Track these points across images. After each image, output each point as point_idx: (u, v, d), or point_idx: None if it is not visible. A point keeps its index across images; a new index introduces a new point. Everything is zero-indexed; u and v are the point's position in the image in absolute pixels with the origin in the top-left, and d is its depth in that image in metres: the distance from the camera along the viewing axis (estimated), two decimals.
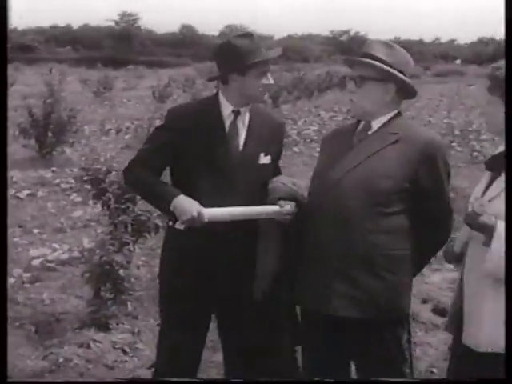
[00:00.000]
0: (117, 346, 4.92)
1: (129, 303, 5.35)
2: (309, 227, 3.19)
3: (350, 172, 3.12)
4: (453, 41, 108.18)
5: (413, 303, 5.80)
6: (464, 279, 2.94)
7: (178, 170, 3.42)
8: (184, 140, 3.34)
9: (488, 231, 2.70)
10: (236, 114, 3.39)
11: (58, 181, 10.85)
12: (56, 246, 7.13)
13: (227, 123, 3.38)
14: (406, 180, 3.09)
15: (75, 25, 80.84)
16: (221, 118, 3.38)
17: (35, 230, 7.86)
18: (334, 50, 75.23)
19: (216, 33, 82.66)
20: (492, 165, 2.93)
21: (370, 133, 3.21)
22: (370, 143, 3.18)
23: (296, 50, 72.14)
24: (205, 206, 3.20)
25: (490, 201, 2.79)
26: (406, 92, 3.26)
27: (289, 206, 3.24)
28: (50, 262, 6.60)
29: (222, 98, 3.41)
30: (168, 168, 3.49)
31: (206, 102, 3.50)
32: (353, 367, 3.40)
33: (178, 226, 3.27)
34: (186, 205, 3.18)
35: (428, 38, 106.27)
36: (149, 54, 66.82)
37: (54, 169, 11.83)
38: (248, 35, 3.38)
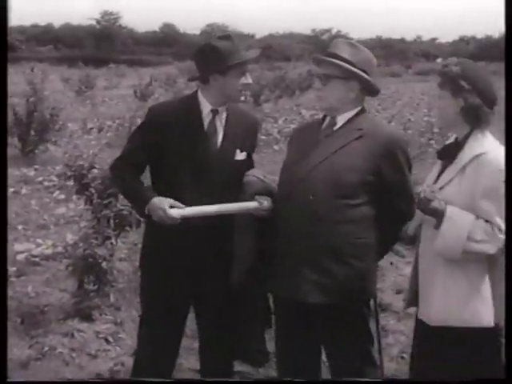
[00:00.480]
0: (100, 336, 5.12)
1: (111, 295, 5.55)
2: (279, 219, 3.40)
3: (317, 167, 3.33)
4: (434, 39, 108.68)
5: (386, 294, 6.07)
6: (418, 259, 3.18)
7: (158, 167, 3.59)
8: (164, 137, 3.51)
9: (438, 215, 2.95)
10: (215, 112, 3.56)
11: (40, 179, 11.01)
12: (40, 241, 7.32)
13: (206, 122, 3.55)
14: (370, 173, 3.31)
15: (56, 24, 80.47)
16: (200, 116, 3.55)
17: (19, 227, 8.02)
18: (316, 48, 75.37)
19: (197, 31, 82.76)
20: (444, 154, 3.18)
21: (335, 128, 3.42)
22: (336, 139, 3.39)
23: (277, 48, 72.47)
24: (184, 200, 3.39)
25: (441, 188, 3.03)
26: (370, 90, 3.48)
27: (266, 202, 3.43)
28: (35, 256, 6.78)
29: (201, 98, 3.57)
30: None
31: (186, 101, 3.66)
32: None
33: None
34: (157, 208, 3.36)
35: (409, 37, 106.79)
36: (130, 53, 66.76)
37: (36, 167, 11.98)
38: (228, 37, 3.55)
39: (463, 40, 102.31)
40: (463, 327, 3.03)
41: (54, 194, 9.88)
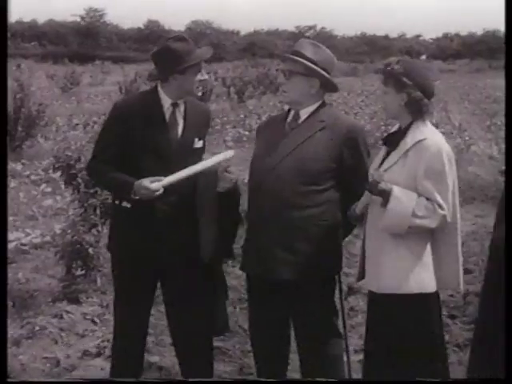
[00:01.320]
0: (87, 317, 5.45)
1: (98, 279, 5.89)
2: (252, 205, 3.75)
3: (285, 157, 3.69)
4: (418, 36, 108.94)
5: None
6: (366, 235, 3.54)
7: (124, 156, 3.87)
8: (129, 130, 3.82)
9: (385, 195, 3.31)
10: (174, 106, 3.89)
11: (28, 172, 11.30)
12: (29, 231, 7.63)
13: (167, 114, 3.87)
14: (333, 161, 3.68)
15: (40, 20, 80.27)
16: (161, 110, 3.86)
17: (10, 218, 8.31)
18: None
19: (182, 28, 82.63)
20: (388, 141, 3.54)
21: (299, 122, 3.78)
22: (301, 131, 3.75)
23: (262, 45, 72.82)
24: None
25: (385, 170, 3.40)
26: (329, 86, 3.84)
27: (230, 152, 3.83)
28: (24, 245, 7.10)
29: (161, 93, 3.88)
30: None
31: (147, 96, 3.97)
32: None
33: (125, 204, 3.81)
34: (140, 188, 3.66)
35: (393, 34, 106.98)
36: (115, 50, 66.82)
37: (23, 161, 12.25)
38: (183, 38, 3.87)
39: (447, 37, 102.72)
40: (409, 294, 3.39)
41: (41, 187, 10.18)
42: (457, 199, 3.47)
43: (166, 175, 3.73)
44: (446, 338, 4.89)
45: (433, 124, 3.60)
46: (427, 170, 3.35)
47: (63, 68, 34.86)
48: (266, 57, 59.08)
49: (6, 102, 3.31)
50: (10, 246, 6.99)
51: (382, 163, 3.52)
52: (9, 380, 3.66)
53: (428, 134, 3.42)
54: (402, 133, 3.50)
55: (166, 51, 3.80)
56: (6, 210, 3.36)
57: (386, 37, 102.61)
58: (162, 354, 4.66)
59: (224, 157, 3.79)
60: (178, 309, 4.01)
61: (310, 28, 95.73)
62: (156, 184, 3.65)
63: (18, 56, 45.30)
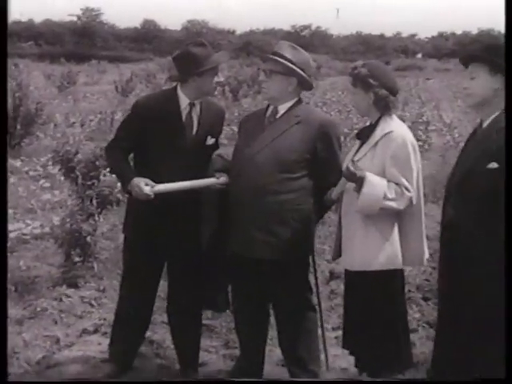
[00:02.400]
0: (85, 300, 5.82)
1: (95, 265, 6.27)
2: (233, 191, 4.13)
3: (263, 148, 4.08)
4: (413, 35, 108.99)
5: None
6: (342, 217, 3.93)
7: (141, 151, 4.32)
8: (147, 126, 4.23)
9: (360, 181, 3.69)
10: (191, 106, 4.30)
11: (26, 169, 11.64)
12: (29, 222, 7.99)
13: (184, 113, 4.29)
14: (307, 152, 4.08)
15: (37, 20, 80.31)
16: (179, 109, 4.28)
17: (10, 211, 8.67)
18: (295, 44, 76.10)
19: (178, 28, 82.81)
20: (360, 135, 3.93)
21: (277, 116, 4.18)
22: (278, 125, 4.14)
23: (257, 44, 72.98)
24: (164, 179, 4.11)
25: (358, 160, 3.79)
26: (305, 85, 4.23)
27: (223, 178, 4.19)
28: (25, 235, 7.47)
29: (180, 93, 4.30)
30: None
31: (167, 95, 4.39)
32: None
33: None
34: (134, 185, 4.07)
35: (389, 33, 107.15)
36: (111, 49, 66.95)
37: (22, 158, 12.59)
38: (202, 43, 4.29)
39: (442, 36, 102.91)
40: (379, 270, 3.78)
41: (40, 182, 10.53)
42: (421, 184, 3.88)
43: (178, 170, 4.14)
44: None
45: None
46: (394, 158, 3.74)
47: (60, 67, 35.03)
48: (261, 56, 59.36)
49: (5, 100, 3.65)
50: (12, 235, 7.36)
51: (356, 154, 3.92)
52: (9, 380, 3.78)
53: (394, 127, 3.81)
54: (372, 127, 3.89)
55: (187, 55, 4.21)
56: (6, 202, 3.65)
57: (382, 36, 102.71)
58: (154, 330, 5.03)
59: (216, 181, 4.18)
60: (179, 289, 4.42)
61: (306, 27, 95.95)
62: (148, 188, 4.04)
63: (15, 56, 45.49)
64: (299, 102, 4.23)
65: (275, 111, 4.19)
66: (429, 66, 64.28)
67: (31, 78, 19.51)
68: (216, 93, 28.62)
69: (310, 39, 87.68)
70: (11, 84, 13.50)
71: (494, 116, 3.42)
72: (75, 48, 65.56)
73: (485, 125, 3.47)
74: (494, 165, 3.28)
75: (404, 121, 16.12)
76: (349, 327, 4.06)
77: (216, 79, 4.29)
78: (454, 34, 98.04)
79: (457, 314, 3.46)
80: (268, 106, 4.28)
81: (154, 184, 4.07)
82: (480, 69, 3.45)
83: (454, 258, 3.44)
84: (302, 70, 4.15)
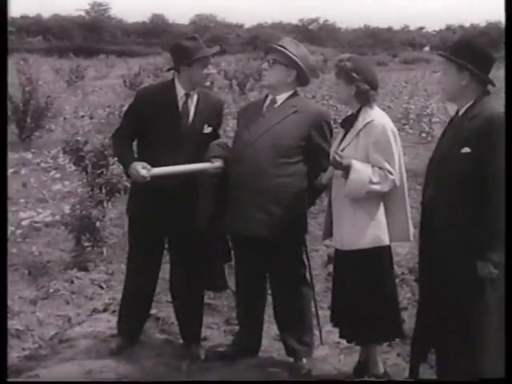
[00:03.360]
0: (95, 283, 6.14)
1: (104, 250, 6.59)
2: (233, 173, 4.43)
3: (263, 134, 4.38)
4: (421, 28, 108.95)
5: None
6: (332, 201, 4.23)
7: (143, 137, 4.65)
8: (147, 114, 4.57)
9: (346, 169, 3.98)
10: (187, 96, 4.62)
11: (38, 160, 12.00)
12: (40, 210, 8.33)
13: (180, 103, 4.61)
14: (303, 139, 4.38)
15: (45, 15, 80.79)
16: (176, 98, 4.61)
17: (21, 200, 9.02)
18: (303, 38, 76.36)
19: (186, 22, 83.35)
20: (344, 124, 4.23)
21: (275, 106, 4.48)
22: (277, 113, 4.45)
23: (265, 38, 73.26)
24: (162, 164, 4.42)
25: (343, 149, 4.09)
26: (303, 79, 4.53)
27: (218, 163, 4.47)
28: (37, 222, 7.80)
29: (177, 84, 4.64)
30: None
31: (166, 86, 4.74)
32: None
33: None
34: (133, 169, 4.39)
35: (397, 26, 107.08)
36: (119, 44, 67.39)
37: (33, 150, 12.95)
38: (194, 38, 4.63)
39: (450, 29, 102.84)
40: (367, 248, 4.08)
41: (51, 174, 10.90)
42: (403, 167, 4.17)
43: (175, 155, 4.45)
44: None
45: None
46: (376, 144, 4.04)
47: (68, 62, 35.44)
48: None
49: (6, 94, 3.94)
50: (24, 223, 7.71)
51: (341, 142, 4.22)
52: (9, 380, 3.84)
53: (375, 116, 4.11)
54: (354, 117, 4.19)
55: (179, 47, 4.58)
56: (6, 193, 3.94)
57: (390, 29, 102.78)
58: (159, 308, 5.35)
59: (210, 166, 4.46)
60: (181, 270, 4.72)
61: (314, 21, 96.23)
62: (144, 171, 4.36)
63: (24, 50, 45.93)
64: (295, 94, 4.54)
65: (273, 101, 4.49)
66: (436, 59, 64.24)
67: (40, 72, 19.84)
68: (223, 86, 29.05)
69: (318, 32, 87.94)
70: (21, 78, 13.85)
71: (467, 106, 3.73)
72: (83, 43, 65.97)
73: (460, 113, 3.78)
74: (466, 149, 3.59)
75: (409, 113, 16.40)
76: (337, 302, 4.35)
77: (206, 71, 4.59)
78: (462, 27, 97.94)
79: (433, 289, 3.76)
80: (266, 96, 4.58)
81: (150, 168, 4.38)
82: (449, 66, 3.78)
83: (432, 236, 3.73)
84: (303, 63, 4.46)
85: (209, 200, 4.55)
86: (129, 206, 4.81)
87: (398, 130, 14.80)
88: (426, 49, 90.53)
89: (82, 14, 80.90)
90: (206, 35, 67.98)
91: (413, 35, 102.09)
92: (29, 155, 12.57)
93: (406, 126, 17.60)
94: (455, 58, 3.73)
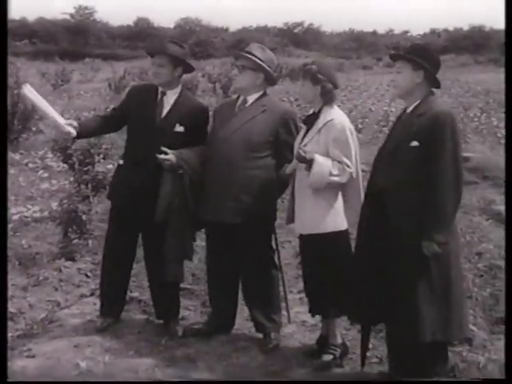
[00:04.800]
0: (81, 272, 6.58)
1: (90, 241, 7.03)
2: (209, 166, 4.89)
3: (235, 131, 4.85)
4: (406, 32, 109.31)
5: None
6: (295, 190, 4.70)
7: (128, 126, 5.21)
8: (130, 105, 5.17)
9: (309, 162, 4.45)
10: (163, 93, 5.12)
11: (26, 161, 12.39)
12: (30, 207, 8.75)
13: (158, 98, 5.11)
14: (271, 135, 4.86)
15: (31, 18, 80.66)
16: (156, 94, 5.12)
17: (11, 197, 9.41)
18: (288, 41, 76.79)
19: (172, 25, 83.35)
20: (307, 122, 4.69)
21: (246, 105, 4.95)
22: (248, 112, 4.92)
23: (250, 41, 73.49)
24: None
25: (306, 144, 4.55)
26: (270, 81, 5.00)
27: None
28: (27, 217, 8.22)
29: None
30: None
31: (153, 85, 5.23)
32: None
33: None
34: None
35: (381, 30, 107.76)
36: (105, 47, 67.43)
37: (21, 151, 13.33)
38: (178, 44, 5.15)
39: (434, 33, 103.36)
40: (327, 232, 4.55)
41: (39, 173, 11.31)
42: (359, 161, 4.64)
43: (147, 145, 4.95)
44: None
45: None
46: (335, 141, 4.52)
47: (54, 66, 35.67)
48: None
49: (5, 98, 4.37)
50: (14, 218, 8.12)
51: (303, 138, 4.69)
52: (9, 380, 4.00)
53: (334, 115, 4.60)
54: (315, 115, 4.66)
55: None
56: (6, 191, 4.34)
57: (374, 33, 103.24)
58: (141, 292, 5.81)
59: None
60: (154, 251, 5.14)
61: (298, 24, 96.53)
62: (69, 128, 4.95)
63: (11, 54, 45.93)
64: (265, 94, 5.02)
65: (245, 101, 4.97)
66: None
67: (27, 76, 20.17)
68: (207, 89, 29.42)
69: (303, 36, 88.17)
70: (9, 81, 14.17)
71: (415, 104, 4.21)
72: (69, 46, 65.96)
73: (408, 111, 4.26)
74: (415, 143, 4.07)
75: (389, 115, 16.87)
76: (305, 280, 4.83)
77: (176, 73, 5.10)
78: (446, 31, 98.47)
79: (381, 268, 4.20)
80: (238, 96, 5.04)
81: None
82: (405, 65, 4.23)
83: (381, 220, 4.19)
84: (269, 67, 4.93)
85: (168, 193, 4.94)
86: (109, 190, 5.33)
87: (377, 132, 15.56)
88: None
89: (68, 17, 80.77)
90: (191, 39, 68.24)
91: (397, 39, 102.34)
92: (17, 156, 12.94)
93: (385, 128, 18.10)
94: (413, 57, 4.19)
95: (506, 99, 4.32)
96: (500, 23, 4.17)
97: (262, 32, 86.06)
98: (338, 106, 4.85)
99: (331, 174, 4.48)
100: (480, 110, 22.86)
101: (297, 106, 19.08)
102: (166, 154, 4.88)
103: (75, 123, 5.02)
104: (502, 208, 8.86)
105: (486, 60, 60.93)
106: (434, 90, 4.30)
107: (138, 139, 5.06)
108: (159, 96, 5.11)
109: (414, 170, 4.06)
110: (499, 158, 12.57)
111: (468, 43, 79.64)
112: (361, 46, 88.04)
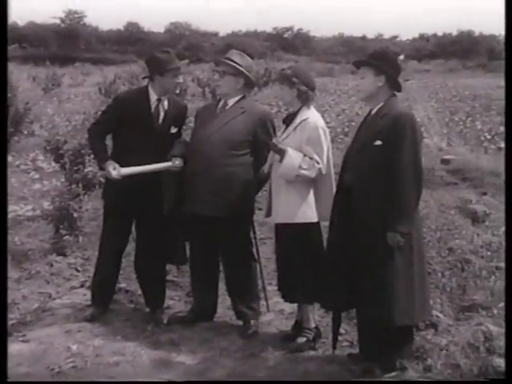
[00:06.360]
0: (71, 266, 6.90)
1: (80, 238, 7.36)
2: (190, 163, 5.23)
3: (215, 131, 5.19)
4: (395, 37, 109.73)
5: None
6: (272, 183, 5.05)
7: (117, 135, 5.47)
8: (123, 114, 5.37)
9: (282, 153, 4.81)
10: (159, 100, 5.43)
11: (17, 163, 12.70)
12: (22, 206, 9.06)
13: (153, 106, 5.42)
14: (249, 135, 5.21)
15: (21, 22, 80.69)
16: (149, 102, 5.42)
17: None
18: (277, 46, 77.15)
19: (161, 30, 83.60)
20: (286, 120, 5.05)
21: (227, 108, 5.29)
22: (228, 114, 5.26)
23: (240, 46, 74.03)
24: (134, 159, 5.23)
25: (283, 139, 4.90)
26: (250, 84, 5.35)
27: (178, 162, 5.28)
28: (19, 216, 8.53)
29: (150, 90, 5.46)
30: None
31: (140, 91, 5.56)
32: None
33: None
34: (106, 170, 5.22)
35: (371, 34, 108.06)
36: (95, 52, 67.57)
37: (13, 154, 13.62)
38: (167, 51, 5.47)
39: (423, 37, 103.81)
40: (298, 223, 4.89)
41: (30, 175, 11.63)
42: (331, 159, 4.99)
43: (147, 151, 5.26)
44: None
45: None
46: (308, 139, 4.87)
47: (44, 70, 35.80)
48: None
49: (5, 102, 4.64)
50: (8, 216, 8.41)
51: (282, 135, 5.05)
52: (9, 380, 4.13)
53: (309, 115, 4.95)
54: (294, 115, 5.02)
55: (153, 58, 5.43)
56: (6, 190, 4.64)
57: (364, 38, 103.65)
58: (128, 283, 6.14)
59: (172, 165, 5.26)
60: (146, 246, 5.50)
61: (288, 29, 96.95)
62: (115, 172, 5.20)
63: None
64: (244, 97, 5.37)
65: (225, 104, 5.32)
66: (408, 67, 65.39)
67: (18, 80, 20.45)
68: (197, 94, 29.72)
69: (292, 41, 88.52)
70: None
71: (379, 106, 4.57)
72: (59, 50, 66.00)
73: (372, 112, 4.61)
74: (378, 142, 4.42)
75: None
76: (278, 268, 5.17)
77: (177, 80, 5.39)
78: (435, 36, 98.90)
79: (349, 257, 4.54)
80: (219, 100, 5.38)
81: (119, 168, 5.20)
82: (367, 71, 4.59)
83: (349, 213, 4.53)
84: (248, 71, 5.27)
85: (172, 189, 5.32)
86: (104, 192, 5.61)
87: None
88: (401, 57, 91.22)
89: (58, 21, 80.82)
90: (181, 43, 68.50)
91: (387, 44, 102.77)
92: (9, 158, 13.24)
93: None
94: (374, 62, 4.55)
95: (506, 105, 4.52)
96: (488, 29, 4.43)
97: (251, 36, 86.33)
98: (324, 111, 5.20)
99: (300, 167, 4.83)
100: (466, 114, 23.24)
101: (285, 110, 19.41)
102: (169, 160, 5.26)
103: (115, 164, 5.22)
104: (477, 207, 9.29)
105: (475, 65, 61.47)
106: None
107: (136, 146, 5.30)
108: (154, 103, 5.39)
109: (378, 167, 4.41)
110: (479, 160, 13.01)
111: (456, 48, 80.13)
112: (350, 50, 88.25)
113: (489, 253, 7.01)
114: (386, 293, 4.41)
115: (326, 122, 17.47)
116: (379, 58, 4.59)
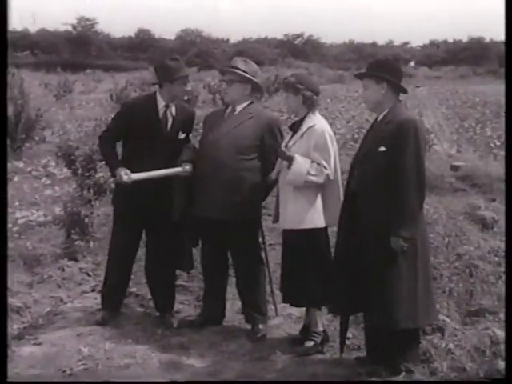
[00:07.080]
0: (83, 271, 6.98)
1: (91, 243, 7.44)
2: (199, 168, 5.30)
3: (224, 136, 5.27)
4: (405, 43, 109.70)
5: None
6: (279, 189, 5.12)
7: (126, 141, 5.56)
8: (132, 121, 5.44)
9: (290, 160, 4.88)
10: (167, 107, 5.51)
11: (29, 169, 12.82)
12: (34, 211, 9.16)
13: (161, 113, 5.50)
14: (257, 140, 5.29)
15: (32, 29, 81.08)
16: (157, 108, 5.50)
17: (16, 203, 9.84)
18: (288, 53, 77.29)
19: (172, 37, 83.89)
20: (292, 127, 5.12)
21: (235, 113, 5.37)
22: (236, 119, 5.34)
23: (250, 53, 74.16)
24: (144, 164, 5.30)
25: (290, 146, 4.97)
26: (258, 90, 5.43)
27: (188, 167, 5.35)
28: (31, 221, 8.63)
29: (158, 96, 5.54)
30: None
31: (148, 98, 5.64)
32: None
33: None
34: (117, 175, 5.28)
35: (381, 41, 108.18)
36: (106, 58, 67.83)
37: (25, 160, 13.77)
38: (176, 59, 5.55)
39: (434, 44, 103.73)
40: (306, 229, 4.96)
41: (42, 180, 11.74)
42: (338, 164, 5.06)
43: (156, 156, 5.35)
44: None
45: None
46: (315, 145, 4.94)
47: (56, 76, 36.09)
48: None
49: (6, 107, 4.71)
50: (21, 221, 8.54)
51: (289, 142, 5.12)
52: (9, 380, 4.16)
53: (316, 122, 5.03)
54: (300, 121, 5.09)
55: (162, 66, 5.50)
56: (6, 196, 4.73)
57: (374, 44, 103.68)
58: (138, 287, 6.22)
59: (182, 171, 5.35)
60: (156, 252, 5.58)
61: (298, 36, 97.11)
62: (126, 178, 5.27)
63: (13, 65, 46.34)
64: (252, 103, 5.45)
65: (233, 109, 5.41)
66: (419, 74, 65.41)
67: (30, 86, 20.62)
68: (207, 100, 29.86)
69: (303, 48, 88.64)
70: (13, 92, 14.62)
71: (384, 112, 4.64)
72: (71, 57, 66.31)
73: (378, 119, 4.68)
74: (382, 148, 4.49)
75: None
76: (283, 272, 5.24)
77: (185, 87, 5.48)
78: (445, 42, 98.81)
79: (355, 261, 4.60)
80: (227, 106, 5.46)
81: (130, 174, 5.26)
82: (369, 82, 4.68)
83: (355, 218, 4.60)
84: (254, 77, 5.36)
85: (182, 194, 5.40)
86: (114, 198, 5.69)
87: None
88: (412, 64, 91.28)
89: (69, 28, 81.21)
90: (192, 50, 68.73)
91: (397, 50, 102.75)
92: (20, 164, 13.37)
93: None
94: (373, 73, 4.63)
95: (507, 111, 4.63)
96: (499, 35, 4.52)
97: (262, 43, 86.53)
98: (334, 118, 5.28)
99: (309, 173, 4.90)
100: (476, 120, 23.23)
101: (295, 116, 19.45)
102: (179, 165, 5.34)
103: (126, 170, 5.29)
104: (485, 213, 9.30)
105: (485, 71, 61.37)
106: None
107: (145, 152, 5.38)
108: (162, 109, 5.47)
109: (382, 173, 4.47)
110: (488, 166, 13.03)
111: (467, 55, 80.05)
112: (360, 57, 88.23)
113: (496, 258, 7.03)
114: (390, 297, 4.48)
115: (336, 129, 17.67)
116: (378, 67, 4.69)
